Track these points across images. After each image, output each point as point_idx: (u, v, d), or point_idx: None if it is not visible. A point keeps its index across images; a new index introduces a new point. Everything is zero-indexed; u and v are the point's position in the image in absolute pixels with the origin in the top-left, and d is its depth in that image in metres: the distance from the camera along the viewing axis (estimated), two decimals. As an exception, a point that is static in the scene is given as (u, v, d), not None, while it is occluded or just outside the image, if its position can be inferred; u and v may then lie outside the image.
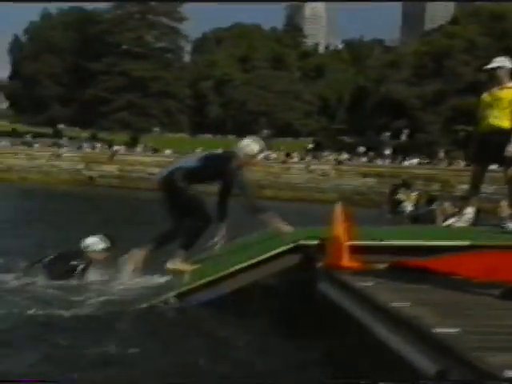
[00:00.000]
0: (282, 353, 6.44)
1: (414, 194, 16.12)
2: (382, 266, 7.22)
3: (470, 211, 9.98)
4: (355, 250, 7.25)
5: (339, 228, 7.31)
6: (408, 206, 15.34)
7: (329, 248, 7.33)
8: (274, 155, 55.66)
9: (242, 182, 8.84)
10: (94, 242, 9.75)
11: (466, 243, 7.70)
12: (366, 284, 6.23)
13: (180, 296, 7.66)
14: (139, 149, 63.44)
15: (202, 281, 7.81)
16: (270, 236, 8.94)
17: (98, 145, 61.61)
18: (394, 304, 5.34)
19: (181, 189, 8.82)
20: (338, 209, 7.52)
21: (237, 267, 7.74)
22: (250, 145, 9.13)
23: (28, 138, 68.45)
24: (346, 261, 7.13)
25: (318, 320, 6.99)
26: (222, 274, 7.78)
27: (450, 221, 12.04)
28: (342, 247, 7.17)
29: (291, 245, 7.75)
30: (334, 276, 6.94)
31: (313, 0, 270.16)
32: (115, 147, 59.30)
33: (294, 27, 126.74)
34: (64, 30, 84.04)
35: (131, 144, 68.88)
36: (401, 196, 15.49)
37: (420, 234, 9.36)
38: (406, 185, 16.75)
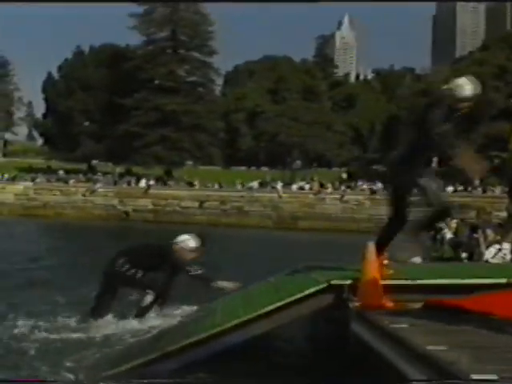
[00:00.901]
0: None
1: (453, 222, 15.95)
2: (416, 306, 7.06)
3: (506, 247, 9.77)
4: (389, 290, 7.11)
5: (372, 267, 7.17)
6: (447, 234, 15.21)
7: (362, 287, 7.18)
8: (307, 186, 55.68)
9: None
10: (185, 240, 9.99)
11: (503, 281, 7.51)
12: (400, 326, 6.07)
13: (206, 339, 7.55)
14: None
15: (232, 322, 7.69)
16: (300, 275, 8.82)
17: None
18: (429, 347, 5.19)
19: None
20: (371, 247, 7.38)
21: (267, 308, 7.61)
22: None
23: (61, 173, 69.10)
24: (380, 301, 6.99)
25: (350, 362, 6.85)
26: (253, 314, 7.65)
27: (490, 251, 11.84)
28: (376, 287, 7.03)
29: (324, 284, 7.61)
30: (367, 317, 6.78)
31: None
32: (150, 181, 59.61)
33: (324, 58, 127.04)
34: (96, 67, 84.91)
35: (165, 178, 69.24)
36: (440, 224, 15.31)
37: (455, 272, 9.17)
38: (445, 213, 16.51)
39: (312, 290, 7.64)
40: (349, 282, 7.51)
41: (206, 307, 9.73)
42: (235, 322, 7.66)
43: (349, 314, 7.20)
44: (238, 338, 7.54)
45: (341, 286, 7.54)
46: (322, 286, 7.61)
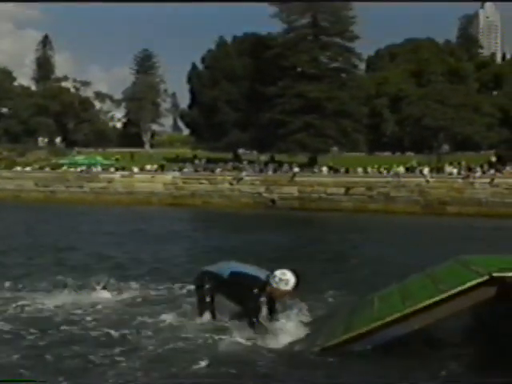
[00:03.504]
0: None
1: None
2: None
3: None
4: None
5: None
6: None
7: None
8: (455, 170, 54.59)
9: None
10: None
11: None
12: None
13: (366, 334, 7.52)
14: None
15: (391, 317, 7.61)
16: (459, 267, 8.63)
17: (296, 169, 60.90)
18: None
19: None
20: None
21: (429, 301, 7.50)
22: None
23: (207, 163, 70.46)
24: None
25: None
26: (412, 308, 7.56)
27: None
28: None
29: (485, 277, 7.42)
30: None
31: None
32: (295, 169, 59.90)
33: (468, 38, 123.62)
34: (239, 57, 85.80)
35: (309, 165, 69.50)
36: None
37: None
38: None
39: (473, 282, 7.48)
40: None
41: (362, 300, 9.63)
42: (393, 316, 7.60)
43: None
44: (394, 333, 7.48)
45: (503, 278, 7.35)
46: (483, 279, 7.44)
